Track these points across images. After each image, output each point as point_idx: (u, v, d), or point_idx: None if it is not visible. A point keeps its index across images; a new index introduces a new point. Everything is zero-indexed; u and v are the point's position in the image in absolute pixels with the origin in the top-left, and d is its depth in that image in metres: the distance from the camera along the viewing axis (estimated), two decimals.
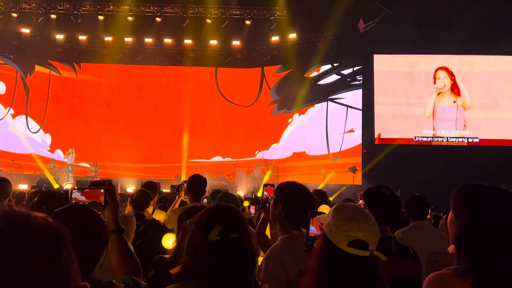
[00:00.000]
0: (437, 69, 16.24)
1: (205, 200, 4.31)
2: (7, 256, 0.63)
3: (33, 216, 0.70)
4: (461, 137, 15.78)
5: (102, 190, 1.93)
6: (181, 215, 2.38)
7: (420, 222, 3.44)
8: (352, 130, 16.94)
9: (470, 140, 15.70)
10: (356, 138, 16.76)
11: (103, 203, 1.92)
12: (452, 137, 15.81)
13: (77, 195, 1.95)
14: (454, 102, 15.97)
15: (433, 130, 15.95)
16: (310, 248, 1.69)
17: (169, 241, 2.90)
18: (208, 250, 1.52)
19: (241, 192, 12.64)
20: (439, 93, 16.12)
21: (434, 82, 16.22)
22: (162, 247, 2.95)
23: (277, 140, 18.53)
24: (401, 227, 3.46)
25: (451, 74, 16.14)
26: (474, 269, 1.37)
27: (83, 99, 19.06)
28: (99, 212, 1.86)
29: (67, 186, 13.00)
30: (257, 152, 18.74)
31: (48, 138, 18.61)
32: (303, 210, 2.16)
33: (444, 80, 16.18)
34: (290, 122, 18.38)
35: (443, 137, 15.85)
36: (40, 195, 3.00)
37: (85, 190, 1.98)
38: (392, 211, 2.34)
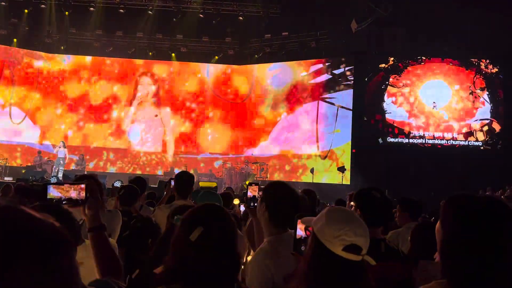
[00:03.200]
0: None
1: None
2: (11, 259, 0.62)
3: (37, 219, 0.69)
4: (451, 139, 15.91)
5: (82, 186, 1.86)
6: (170, 215, 2.34)
7: (412, 224, 3.43)
8: (337, 131, 16.98)
9: (457, 142, 15.84)
10: (345, 138, 16.81)
11: (83, 199, 1.84)
12: (443, 139, 15.94)
13: (52, 191, 1.86)
14: (434, 107, 16.09)
15: (410, 131, 16.13)
16: (299, 252, 1.66)
17: None
18: (188, 250, 1.50)
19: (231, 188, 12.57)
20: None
21: (413, 83, 16.40)
22: (148, 241, 2.90)
23: (265, 138, 18.52)
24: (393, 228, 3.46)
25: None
26: (453, 282, 1.34)
27: (72, 91, 18.84)
28: (79, 208, 1.81)
29: (53, 179, 12.83)
30: (245, 149, 18.72)
31: (36, 129, 18.37)
32: (287, 212, 2.13)
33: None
34: (278, 121, 18.37)
35: (434, 139, 15.97)
36: (17, 190, 2.91)
37: (64, 185, 1.88)
38: (383, 213, 2.33)
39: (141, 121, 18.87)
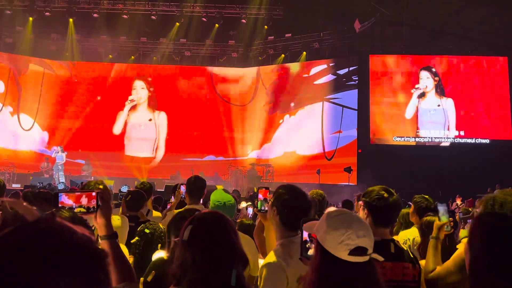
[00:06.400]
0: (420, 69, 16.31)
1: (201, 201, 4.27)
2: (46, 272, 0.61)
3: (77, 234, 0.68)
4: (455, 138, 15.83)
5: (93, 194, 1.84)
6: (174, 219, 2.33)
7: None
8: (341, 132, 16.94)
9: (463, 140, 15.76)
10: (351, 138, 16.77)
11: (95, 207, 1.81)
12: (448, 138, 15.87)
13: (64, 198, 1.84)
14: (439, 105, 16.02)
15: (417, 130, 16.02)
16: (306, 257, 1.66)
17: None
18: (184, 250, 1.52)
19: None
20: (423, 94, 16.18)
21: (417, 82, 16.28)
22: (158, 246, 2.90)
23: (268, 139, 18.51)
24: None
25: (434, 74, 16.19)
26: None
27: (77, 98, 18.91)
28: (91, 216, 1.81)
29: (60, 186, 12.86)
30: (249, 151, 18.71)
31: (44, 136, 18.47)
32: (298, 215, 2.12)
33: (426, 81, 16.23)
34: (283, 122, 18.34)
35: (441, 137, 15.90)
36: (27, 196, 2.90)
37: (75, 193, 1.86)
38: (392, 213, 2.32)
39: (134, 124, 18.90)
